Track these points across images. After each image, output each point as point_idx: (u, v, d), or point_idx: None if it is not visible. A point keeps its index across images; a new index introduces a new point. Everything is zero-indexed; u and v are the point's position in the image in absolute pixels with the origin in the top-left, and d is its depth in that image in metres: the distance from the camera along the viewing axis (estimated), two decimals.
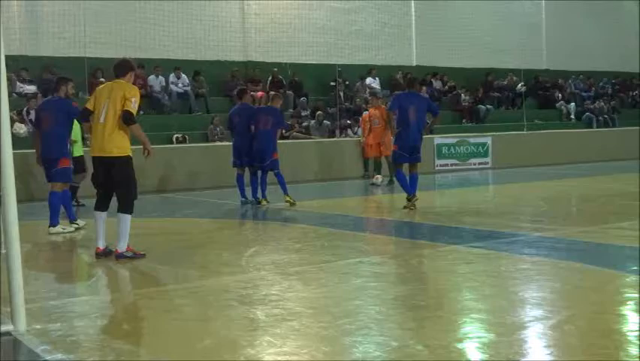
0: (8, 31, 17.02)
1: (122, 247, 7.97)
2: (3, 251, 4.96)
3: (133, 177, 8.06)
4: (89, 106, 8.15)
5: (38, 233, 10.28)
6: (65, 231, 10.40)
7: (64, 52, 19.43)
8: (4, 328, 4.96)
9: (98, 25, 19.62)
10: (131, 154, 7.99)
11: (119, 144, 7.87)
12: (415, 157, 11.98)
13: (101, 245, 8.20)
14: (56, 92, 10.60)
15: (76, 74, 18.97)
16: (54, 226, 10.29)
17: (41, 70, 19.46)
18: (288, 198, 13.17)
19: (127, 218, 7.94)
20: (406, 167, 12.21)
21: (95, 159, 8.07)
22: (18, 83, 18.17)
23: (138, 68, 20.24)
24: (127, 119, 7.79)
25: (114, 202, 8.17)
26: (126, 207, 7.96)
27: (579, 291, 6.22)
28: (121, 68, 8.18)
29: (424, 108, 12.07)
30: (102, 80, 19.61)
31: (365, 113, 19.37)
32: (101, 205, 8.22)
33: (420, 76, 25.72)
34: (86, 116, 8.38)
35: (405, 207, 11.94)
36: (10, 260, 4.95)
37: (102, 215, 8.22)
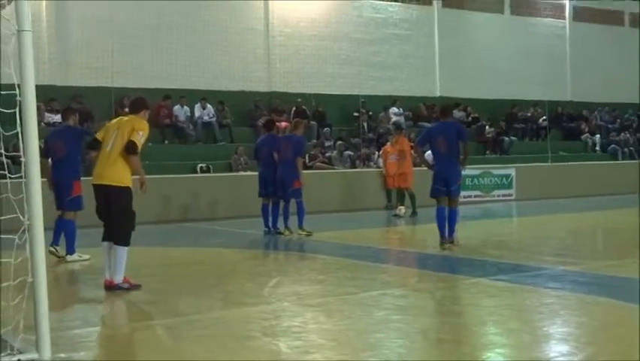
0: (37, 61, 17.25)
1: (118, 278, 7.93)
2: (30, 280, 5.00)
3: (129, 208, 8.03)
4: (99, 136, 8.27)
5: (55, 260, 10.36)
6: (82, 259, 10.53)
7: (92, 82, 19.70)
8: (29, 356, 4.99)
9: (125, 56, 19.90)
10: (130, 185, 8.00)
11: (119, 174, 7.92)
12: (449, 190, 11.04)
13: (109, 276, 8.13)
14: (66, 121, 10.99)
15: (103, 103, 19.31)
16: (71, 254, 10.43)
17: (69, 99, 19.71)
18: (301, 232, 13.22)
19: (122, 250, 7.91)
20: None
21: (95, 187, 8.12)
22: (46, 113, 18.40)
23: (164, 99, 20.70)
24: (129, 148, 7.85)
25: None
26: (120, 239, 7.93)
27: (604, 326, 6.15)
28: (135, 105, 8.39)
29: (454, 135, 11.15)
30: (127, 110, 19.91)
31: (387, 145, 19.65)
32: (108, 236, 8.17)
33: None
34: (94, 146, 8.42)
35: (442, 248, 10.99)
36: (37, 289, 4.98)
37: (110, 246, 8.15)
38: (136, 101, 8.49)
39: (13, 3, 5.15)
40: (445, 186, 11.03)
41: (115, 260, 7.92)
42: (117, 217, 7.96)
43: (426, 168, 11.83)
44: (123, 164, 7.93)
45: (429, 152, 12.07)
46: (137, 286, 8.04)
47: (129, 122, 8.07)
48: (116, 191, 7.93)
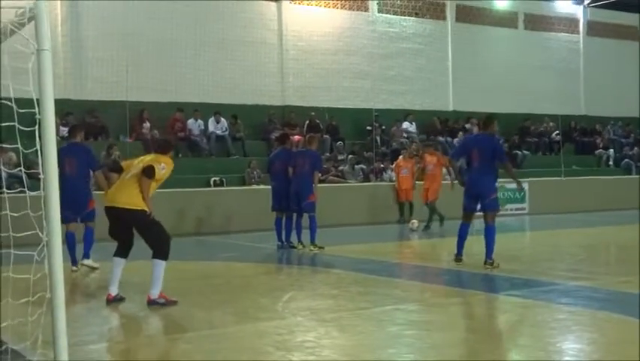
0: (53, 76, 17.41)
1: (154, 293, 8.00)
2: (48, 295, 5.07)
3: (155, 224, 8.06)
4: (124, 165, 8.40)
5: (70, 274, 10.46)
6: (93, 266, 10.83)
7: (107, 96, 19.89)
8: None
9: (139, 71, 20.04)
10: (144, 208, 7.98)
11: (131, 198, 7.95)
12: (482, 204, 10.51)
13: (113, 292, 8.26)
14: (73, 138, 11.18)
15: (118, 117, 19.47)
16: (87, 258, 10.73)
17: (84, 114, 19.90)
18: (313, 247, 13.27)
19: (160, 264, 7.96)
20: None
21: (106, 209, 8.17)
22: (61, 127, 18.55)
23: (178, 111, 20.87)
24: (146, 171, 7.92)
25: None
26: (159, 253, 7.98)
27: (617, 343, 6.16)
28: (162, 146, 8.62)
29: (489, 149, 10.49)
30: (145, 125, 20.06)
31: (400, 158, 20.01)
32: (120, 252, 8.31)
33: (456, 121, 26.08)
34: (116, 170, 8.59)
35: (456, 261, 10.84)
36: (55, 304, 5.05)
37: (120, 261, 8.28)
38: (164, 142, 8.89)
39: (32, 22, 5.24)
40: (477, 202, 10.55)
41: (153, 275, 7.96)
42: (148, 235, 8.04)
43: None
44: (136, 188, 7.97)
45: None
46: (173, 302, 8.04)
47: (155, 158, 8.22)
48: (128, 213, 7.97)
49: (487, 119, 11.07)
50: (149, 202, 8.00)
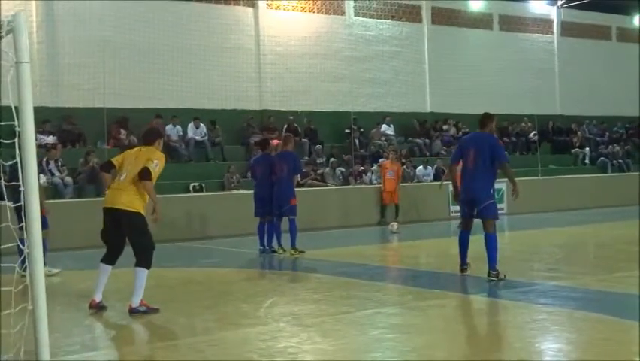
0: None
1: (135, 301, 7.98)
2: (30, 307, 5.08)
3: (146, 232, 8.11)
4: (115, 162, 8.35)
5: (50, 284, 10.43)
6: (51, 273, 10.84)
7: (84, 103, 19.81)
8: None
9: (116, 77, 19.99)
10: (141, 211, 8.07)
11: (131, 200, 8.00)
12: (478, 210, 9.68)
13: (97, 298, 8.27)
14: None
15: (96, 124, 19.40)
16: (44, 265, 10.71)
17: (61, 121, 19.81)
18: (293, 252, 13.30)
19: (143, 272, 7.98)
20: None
21: (105, 210, 8.17)
22: (37, 135, 18.47)
23: (156, 117, 20.82)
24: (143, 174, 7.96)
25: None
26: (142, 262, 8.01)
27: (595, 342, 6.26)
28: (150, 135, 8.60)
29: (487, 149, 9.66)
30: (123, 131, 20.00)
31: (383, 161, 20.27)
32: (108, 259, 8.31)
33: (433, 122, 26.23)
34: (107, 169, 8.48)
35: (462, 272, 9.98)
36: (37, 316, 5.06)
37: (107, 268, 8.29)
38: (150, 131, 8.76)
39: (10, 35, 5.25)
40: (473, 208, 9.68)
41: (135, 283, 7.97)
42: (136, 241, 8.07)
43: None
44: (135, 191, 8.02)
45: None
46: (155, 310, 8.05)
47: (146, 153, 8.23)
48: (128, 215, 7.99)
49: (484, 117, 10.14)
50: (156, 200, 8.11)
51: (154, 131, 8.85)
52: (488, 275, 9.49)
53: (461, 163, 10.04)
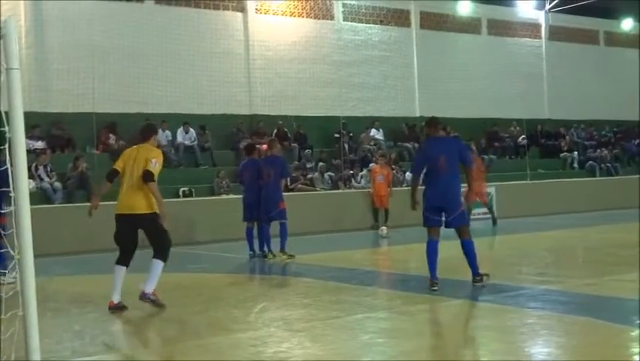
0: None
1: (149, 288, 8.39)
2: (20, 313, 5.07)
3: (163, 229, 8.50)
4: (118, 167, 8.67)
5: (40, 290, 10.38)
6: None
7: (73, 108, 19.75)
8: None
9: (106, 82, 19.96)
10: (157, 211, 8.44)
11: (147, 202, 8.37)
12: (448, 220, 9.23)
13: (116, 300, 8.47)
14: None
15: (85, 129, 19.36)
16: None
17: (50, 126, 19.75)
18: (282, 255, 13.30)
19: (160, 264, 8.43)
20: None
21: (119, 216, 8.52)
22: (26, 140, 18.40)
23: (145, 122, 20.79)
24: (146, 177, 8.28)
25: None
26: (161, 255, 8.46)
27: (584, 346, 6.30)
28: (145, 132, 8.85)
29: (456, 154, 9.29)
30: (112, 135, 19.98)
31: (373, 165, 20.43)
32: (123, 260, 8.60)
33: (422, 126, 26.29)
34: (112, 177, 8.79)
35: (432, 290, 9.16)
36: (28, 322, 5.05)
37: (122, 269, 8.55)
38: (145, 128, 8.99)
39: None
40: (441, 215, 9.21)
41: (151, 271, 8.41)
42: (156, 238, 8.48)
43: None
44: (145, 192, 8.37)
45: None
46: (161, 305, 8.45)
47: (143, 152, 8.52)
48: (147, 217, 8.38)
49: (433, 121, 9.68)
50: (161, 201, 8.46)
51: (149, 127, 9.10)
52: (474, 281, 9.33)
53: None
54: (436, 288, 9.13)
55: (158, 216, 8.44)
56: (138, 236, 8.59)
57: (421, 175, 9.62)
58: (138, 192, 8.37)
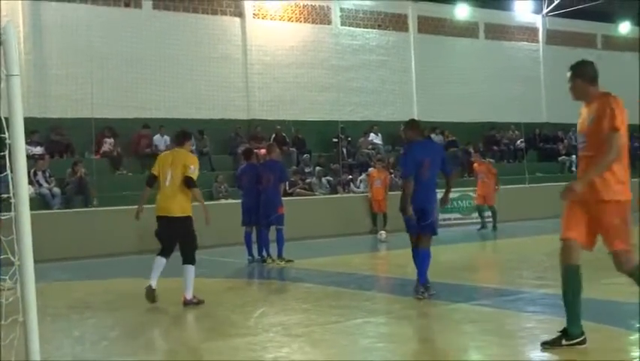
0: None
1: (189, 294, 9.03)
2: (20, 319, 5.07)
3: (193, 233, 9.23)
4: (154, 172, 9.32)
5: (42, 295, 10.38)
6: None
7: (72, 113, 19.80)
8: None
9: (104, 87, 19.97)
10: (191, 214, 9.14)
11: (181, 206, 9.04)
12: (421, 226, 9.01)
13: (154, 285, 9.14)
14: None
15: (84, 134, 19.38)
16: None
17: (49, 131, 19.76)
18: (280, 261, 13.31)
19: (192, 269, 9.11)
20: None
21: (159, 217, 9.18)
22: (25, 145, 18.42)
23: (143, 127, 20.82)
24: (189, 183, 9.00)
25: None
26: (190, 259, 9.13)
27: (584, 350, 6.30)
28: (180, 137, 9.60)
29: (439, 159, 9.19)
30: (109, 139, 20.00)
31: (371, 170, 20.48)
32: (164, 253, 9.34)
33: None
34: (151, 183, 9.44)
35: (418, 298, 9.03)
36: (28, 328, 5.05)
37: (162, 261, 9.28)
38: (180, 135, 9.71)
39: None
40: (417, 220, 8.95)
41: (186, 279, 9.10)
42: (185, 242, 9.20)
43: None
44: (182, 195, 9.05)
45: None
46: (202, 301, 9.12)
47: (180, 158, 9.18)
48: (182, 220, 9.08)
49: (415, 124, 9.52)
50: (204, 203, 9.43)
51: (184, 133, 9.73)
52: (417, 293, 8.95)
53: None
54: (433, 292, 9.02)
55: (191, 220, 9.12)
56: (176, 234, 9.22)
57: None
58: (174, 196, 9.00)
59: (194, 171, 9.02)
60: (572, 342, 6.13)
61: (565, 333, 6.16)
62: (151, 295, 9.06)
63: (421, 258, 9.02)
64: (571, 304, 6.27)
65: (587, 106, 6.36)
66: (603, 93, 6.27)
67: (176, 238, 9.20)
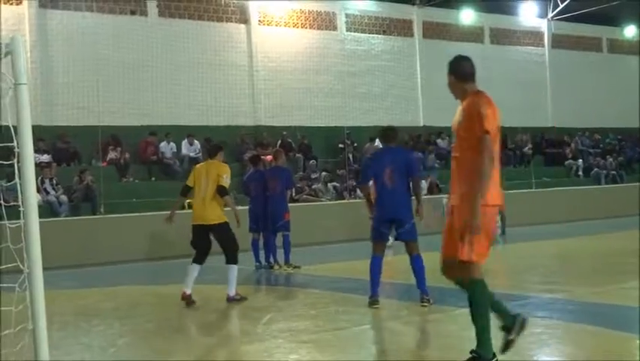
0: None
1: (232, 291, 9.71)
2: (30, 327, 5.09)
3: (233, 236, 9.85)
4: (190, 183, 9.96)
5: (50, 302, 10.41)
6: None
7: (79, 121, 19.90)
8: None
9: (110, 95, 20.04)
10: (227, 220, 9.76)
11: (217, 213, 9.69)
12: (402, 234, 8.94)
13: (188, 291, 9.65)
14: None
15: (90, 142, 19.45)
16: None
17: (56, 139, 19.83)
18: (287, 267, 13.32)
19: (234, 268, 9.74)
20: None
21: (196, 225, 9.79)
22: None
23: (150, 135, 20.87)
24: (222, 192, 9.63)
25: None
26: (233, 259, 9.76)
27: (592, 355, 6.29)
28: (212, 150, 10.32)
29: (402, 164, 8.98)
30: (112, 147, 20.05)
31: None
32: (198, 260, 9.89)
33: (426, 136, 26.32)
34: (186, 192, 10.11)
35: (372, 306, 8.89)
36: (37, 336, 5.07)
37: (197, 267, 9.82)
38: (212, 147, 10.49)
39: (8, 56, 5.29)
40: (390, 228, 9.01)
41: (230, 277, 9.74)
42: (227, 245, 9.82)
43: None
44: (216, 204, 9.68)
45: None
46: (245, 298, 9.81)
47: (213, 168, 9.78)
48: (219, 226, 9.70)
49: (389, 130, 9.42)
50: (237, 211, 10.19)
51: (216, 145, 10.48)
52: (422, 301, 8.90)
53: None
54: (377, 305, 8.89)
55: (227, 224, 9.72)
56: (211, 241, 9.84)
57: (369, 184, 9.32)
58: (209, 205, 9.60)
59: (226, 180, 9.64)
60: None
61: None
62: (189, 301, 9.57)
63: (414, 266, 9.09)
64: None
65: (461, 104, 6.01)
66: (475, 92, 5.95)
67: (210, 242, 9.83)
